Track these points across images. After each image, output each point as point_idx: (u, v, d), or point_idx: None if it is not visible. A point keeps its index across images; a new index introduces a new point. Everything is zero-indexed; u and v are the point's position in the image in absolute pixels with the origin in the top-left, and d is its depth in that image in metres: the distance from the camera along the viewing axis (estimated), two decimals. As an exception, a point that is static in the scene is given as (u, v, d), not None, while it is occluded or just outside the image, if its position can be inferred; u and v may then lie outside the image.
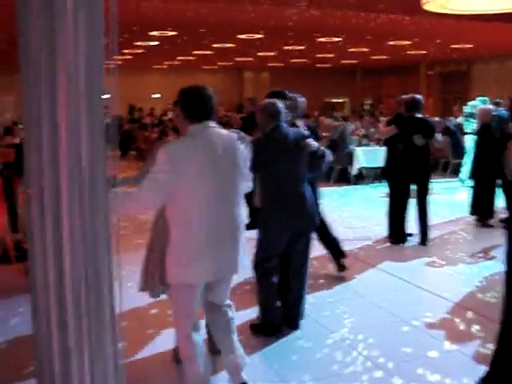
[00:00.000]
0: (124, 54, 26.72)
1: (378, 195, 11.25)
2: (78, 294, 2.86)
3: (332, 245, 6.39)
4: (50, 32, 2.82)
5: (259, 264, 4.83)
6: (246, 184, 3.66)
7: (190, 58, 28.07)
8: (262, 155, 4.55)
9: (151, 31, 19.70)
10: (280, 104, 4.77)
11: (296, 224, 4.74)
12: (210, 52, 25.76)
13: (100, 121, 2.92)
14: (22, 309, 5.25)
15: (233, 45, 23.24)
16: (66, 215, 2.81)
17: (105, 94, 3.02)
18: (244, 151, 3.53)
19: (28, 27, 2.82)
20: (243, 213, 3.57)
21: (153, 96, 33.23)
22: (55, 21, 2.81)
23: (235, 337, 3.78)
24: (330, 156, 5.03)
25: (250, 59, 29.30)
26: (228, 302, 3.77)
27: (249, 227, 4.37)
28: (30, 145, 2.86)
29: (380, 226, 8.45)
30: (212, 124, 3.42)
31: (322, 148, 4.98)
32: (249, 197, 4.69)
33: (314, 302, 5.64)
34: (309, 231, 4.94)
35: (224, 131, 3.51)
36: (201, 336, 3.65)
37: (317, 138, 5.59)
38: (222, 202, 3.35)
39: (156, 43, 22.43)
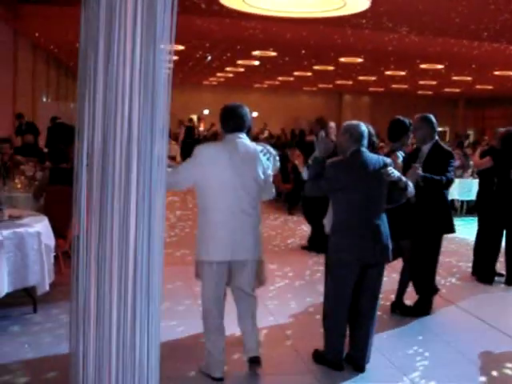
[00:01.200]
0: (226, 72, 27.12)
1: (467, 229, 10.67)
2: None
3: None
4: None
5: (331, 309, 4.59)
6: (268, 190, 4.29)
7: (290, 78, 28.10)
8: (339, 179, 4.31)
9: (253, 51, 19.85)
10: (364, 127, 4.50)
11: (367, 256, 4.43)
12: (310, 73, 25.69)
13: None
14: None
15: (333, 67, 23.07)
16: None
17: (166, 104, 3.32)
18: (265, 161, 4.18)
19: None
20: (256, 211, 4.16)
21: (252, 114, 33.45)
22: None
23: (255, 322, 4.29)
24: (412, 189, 4.62)
25: (350, 83, 29.01)
26: (253, 293, 4.27)
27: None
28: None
29: (465, 263, 7.97)
30: (241, 135, 4.12)
31: (405, 180, 4.56)
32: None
33: (386, 337, 5.29)
34: (381, 265, 4.59)
35: (250, 143, 4.19)
36: (221, 314, 4.17)
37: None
38: (239, 198, 4.01)
39: (257, 63, 22.60)
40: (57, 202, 6.44)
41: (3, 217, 5.36)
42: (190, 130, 23.11)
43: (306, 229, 8.80)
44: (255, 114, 33.68)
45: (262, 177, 4.14)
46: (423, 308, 5.92)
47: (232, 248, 4.03)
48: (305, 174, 4.91)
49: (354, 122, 4.57)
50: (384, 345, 5.01)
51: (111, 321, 3.07)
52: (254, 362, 4.25)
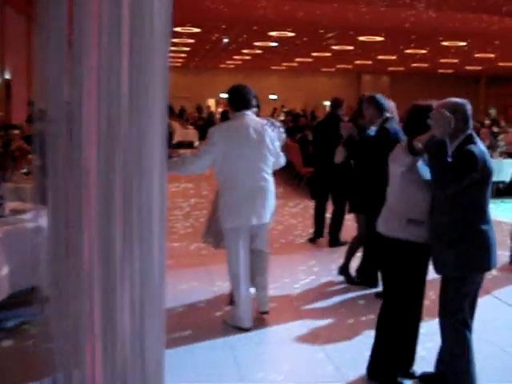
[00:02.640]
0: (243, 55, 26.54)
1: (501, 212, 10.01)
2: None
3: None
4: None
5: (453, 314, 3.60)
6: (278, 160, 4.67)
7: (309, 59, 27.43)
8: (484, 169, 3.49)
9: (270, 32, 19.26)
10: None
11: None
12: (328, 54, 25.02)
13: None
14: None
15: (352, 47, 22.40)
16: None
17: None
18: (272, 133, 4.53)
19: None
20: (271, 178, 4.57)
21: (270, 97, 32.88)
22: None
23: (267, 277, 4.80)
24: None
25: (369, 62, 28.27)
26: (267, 250, 4.80)
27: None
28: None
29: (503, 251, 7.37)
30: (248, 112, 4.50)
31: None
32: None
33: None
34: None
35: (256, 118, 4.59)
36: (248, 267, 4.57)
37: None
38: (253, 168, 4.40)
39: (275, 44, 22.00)
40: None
41: (3, 212, 4.91)
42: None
43: (328, 215, 8.24)
44: (274, 97, 33.16)
45: (271, 147, 4.50)
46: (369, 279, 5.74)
47: (255, 214, 4.44)
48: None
49: (458, 99, 3.61)
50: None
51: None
52: (265, 313, 4.81)
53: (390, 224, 3.79)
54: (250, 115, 4.52)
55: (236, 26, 18.23)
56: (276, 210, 8.79)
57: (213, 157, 4.37)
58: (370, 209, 5.40)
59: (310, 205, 9.35)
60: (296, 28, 18.11)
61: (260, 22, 17.31)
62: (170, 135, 20.12)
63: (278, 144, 4.62)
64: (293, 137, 12.90)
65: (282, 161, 4.78)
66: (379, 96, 5.58)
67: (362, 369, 3.95)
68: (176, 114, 26.76)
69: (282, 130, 4.79)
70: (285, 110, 24.20)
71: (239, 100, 4.51)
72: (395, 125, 5.47)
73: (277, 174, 13.33)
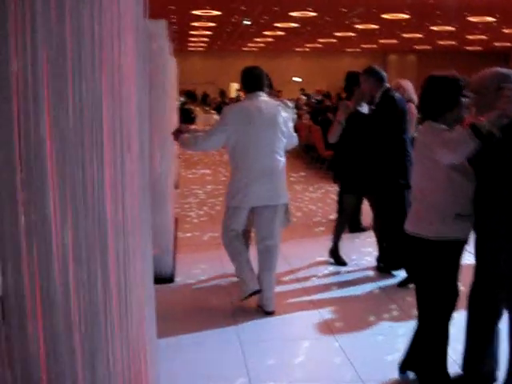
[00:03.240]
0: (265, 37, 26.08)
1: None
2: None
3: None
4: None
5: None
6: (291, 140, 4.61)
7: (333, 40, 26.85)
8: None
9: (291, 12, 18.80)
10: None
11: None
12: (352, 34, 24.43)
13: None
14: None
15: (377, 26, 21.79)
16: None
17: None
18: (285, 114, 4.52)
19: None
20: (283, 158, 4.49)
21: (294, 79, 32.38)
22: None
23: (273, 274, 4.55)
24: None
25: (395, 41, 27.57)
26: (275, 241, 4.52)
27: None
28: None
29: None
30: (260, 93, 4.48)
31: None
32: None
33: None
34: None
35: (269, 99, 4.56)
36: (242, 243, 4.55)
37: None
38: (265, 149, 4.36)
39: (296, 25, 21.51)
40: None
41: None
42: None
43: None
44: (298, 79, 32.63)
45: (284, 128, 4.48)
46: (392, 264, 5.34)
47: (265, 194, 4.39)
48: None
49: (503, 70, 3.17)
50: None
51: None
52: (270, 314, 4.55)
53: (434, 225, 3.18)
54: (263, 96, 4.51)
55: (256, 7, 17.80)
56: (295, 194, 8.49)
57: (226, 135, 4.38)
58: (378, 189, 5.23)
59: (331, 189, 9.01)
60: (317, 7, 17.61)
61: (280, 2, 16.87)
62: (193, 120, 19.83)
63: (291, 125, 4.62)
64: (315, 119, 12.50)
65: (295, 141, 4.75)
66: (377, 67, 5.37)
67: (380, 370, 3.61)
68: (199, 100, 26.49)
69: (295, 110, 4.80)
70: (305, 92, 23.67)
71: (251, 81, 4.52)
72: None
73: (298, 157, 13.09)
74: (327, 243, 5.80)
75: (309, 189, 9.74)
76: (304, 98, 20.65)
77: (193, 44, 30.53)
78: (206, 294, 4.96)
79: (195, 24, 21.68)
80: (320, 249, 6.00)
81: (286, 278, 5.22)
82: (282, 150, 4.48)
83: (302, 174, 11.08)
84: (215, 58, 32.76)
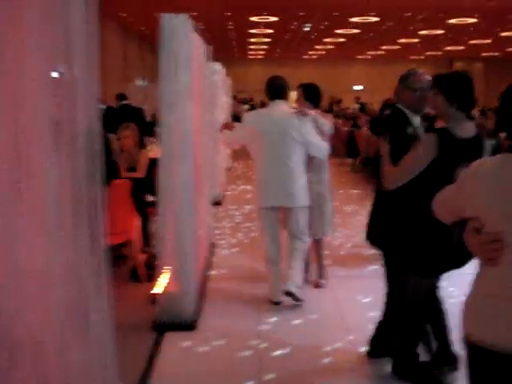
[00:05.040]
0: (325, 44, 25.05)
1: None
2: None
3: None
4: None
5: None
6: (313, 148, 4.62)
7: (395, 47, 25.56)
8: None
9: (352, 17, 17.74)
10: None
11: None
12: (416, 40, 23.12)
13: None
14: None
15: (442, 31, 20.44)
16: None
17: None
18: (299, 122, 4.55)
19: None
20: (296, 165, 4.55)
21: (354, 88, 31.18)
22: None
23: (297, 265, 4.60)
24: None
25: (461, 48, 26.04)
26: (302, 237, 4.67)
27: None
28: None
29: None
30: (280, 102, 4.66)
31: None
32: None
33: None
34: None
35: (286, 107, 4.68)
36: (276, 245, 4.64)
37: None
38: (276, 154, 4.54)
39: (357, 31, 20.41)
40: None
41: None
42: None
43: None
44: (359, 88, 31.43)
45: (297, 135, 4.53)
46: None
47: (279, 197, 4.57)
48: None
49: None
50: None
51: None
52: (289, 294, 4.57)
53: None
54: (280, 104, 4.68)
55: (315, 12, 16.84)
56: (344, 218, 7.28)
57: (242, 134, 4.77)
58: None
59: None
60: (380, 12, 16.52)
61: (340, 7, 15.85)
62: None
63: (307, 132, 4.60)
64: (374, 130, 11.38)
65: (318, 148, 4.68)
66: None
67: None
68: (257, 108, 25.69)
69: (322, 121, 4.84)
70: (360, 101, 22.45)
71: (271, 90, 4.72)
72: None
73: (352, 172, 11.85)
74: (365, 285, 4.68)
75: (361, 211, 7.77)
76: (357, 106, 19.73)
77: (252, 52, 29.81)
78: (229, 353, 3.82)
79: (253, 31, 20.87)
80: (373, 302, 4.52)
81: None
82: (296, 155, 4.57)
83: (355, 191, 9.66)
84: (275, 66, 31.89)
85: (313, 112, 4.73)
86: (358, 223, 7.09)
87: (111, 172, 5.26)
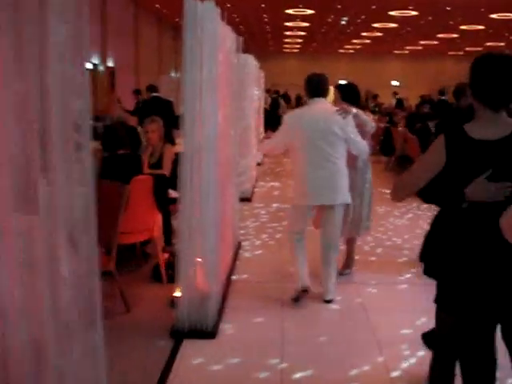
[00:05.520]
0: (362, 38, 24.54)
1: None
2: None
3: None
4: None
5: None
6: (354, 146, 4.48)
7: (434, 42, 24.91)
8: None
9: (390, 11, 17.26)
10: None
11: None
12: (456, 35, 22.47)
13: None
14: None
15: (483, 26, 19.81)
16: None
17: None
18: (342, 120, 4.40)
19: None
20: (340, 162, 4.43)
21: (392, 83, 30.56)
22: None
23: (331, 270, 4.55)
24: None
25: (503, 44, 25.25)
26: (335, 243, 4.58)
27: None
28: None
29: None
30: (320, 99, 4.51)
31: None
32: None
33: None
34: None
35: (328, 105, 4.54)
36: (303, 245, 4.59)
37: None
38: (319, 153, 4.41)
39: (395, 25, 19.90)
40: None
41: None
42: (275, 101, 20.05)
43: None
44: (396, 83, 30.81)
45: (340, 133, 4.42)
46: None
47: (321, 195, 4.45)
48: None
49: None
50: None
51: None
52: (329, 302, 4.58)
53: None
54: (322, 102, 4.53)
55: (352, 5, 16.43)
56: (376, 220, 6.76)
57: (284, 140, 4.57)
58: None
59: (421, 214, 7.40)
60: (419, 6, 16.04)
61: (379, 1, 15.41)
62: (279, 122, 18.58)
63: (350, 130, 4.48)
64: (411, 127, 10.96)
65: (360, 147, 4.58)
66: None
67: None
68: (293, 103, 25.28)
69: (363, 118, 4.72)
70: (398, 97, 21.89)
71: (311, 88, 4.54)
72: None
73: (391, 170, 11.38)
74: (418, 303, 4.30)
75: (394, 212, 7.64)
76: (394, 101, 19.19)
77: (288, 46, 29.44)
78: (246, 373, 3.46)
79: (289, 24, 20.52)
80: (407, 316, 4.23)
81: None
82: (338, 153, 4.47)
83: (389, 191, 9.02)
84: (310, 59, 31.57)
85: (354, 109, 4.57)
86: (391, 226, 6.87)
87: (134, 168, 5.04)
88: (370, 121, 4.86)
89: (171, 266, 4.86)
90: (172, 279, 4.43)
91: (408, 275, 5.05)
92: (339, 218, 4.56)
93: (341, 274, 4.94)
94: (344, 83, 5.23)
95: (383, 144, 12.41)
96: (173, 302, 4.10)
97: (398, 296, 4.65)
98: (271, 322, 4.11)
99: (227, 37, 4.90)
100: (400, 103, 20.53)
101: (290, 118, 4.64)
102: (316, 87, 4.53)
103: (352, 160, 4.65)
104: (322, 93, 4.55)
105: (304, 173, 4.49)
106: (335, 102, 4.85)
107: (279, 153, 5.02)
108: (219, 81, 4.06)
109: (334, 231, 4.58)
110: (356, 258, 5.18)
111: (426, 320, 3.84)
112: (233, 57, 5.36)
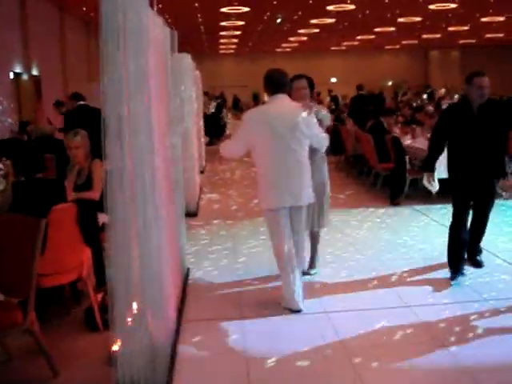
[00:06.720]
0: (299, 35, 24.01)
1: None
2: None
3: None
4: None
5: None
6: (317, 141, 4.49)
7: (371, 36, 24.63)
8: None
9: (328, 6, 16.73)
10: None
11: None
12: (393, 28, 22.22)
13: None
14: None
15: (420, 18, 19.56)
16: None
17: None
18: (306, 116, 4.32)
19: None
20: (305, 160, 4.36)
21: (331, 80, 30.24)
22: None
23: (303, 255, 4.70)
24: None
25: (438, 36, 25.23)
26: (302, 238, 4.60)
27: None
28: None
29: None
30: (281, 96, 4.36)
31: None
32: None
33: None
34: None
35: (290, 101, 4.41)
36: (290, 250, 4.33)
37: None
38: (286, 151, 4.27)
39: (333, 20, 19.41)
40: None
41: None
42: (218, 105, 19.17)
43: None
44: (334, 80, 30.52)
45: (305, 129, 4.31)
46: None
47: (290, 195, 4.30)
48: None
49: None
50: None
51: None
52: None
53: None
54: (283, 98, 4.38)
55: (289, 1, 15.78)
56: (337, 223, 6.22)
57: (245, 141, 4.39)
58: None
59: (392, 212, 6.83)
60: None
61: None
62: (222, 128, 17.79)
63: (314, 126, 4.44)
64: (362, 125, 10.24)
65: (322, 142, 4.59)
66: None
67: None
68: (229, 105, 24.52)
69: (324, 113, 4.85)
70: (332, 94, 21.67)
71: (272, 84, 4.39)
72: None
73: (344, 170, 10.83)
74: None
75: (355, 214, 7.13)
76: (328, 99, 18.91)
77: (224, 46, 28.69)
78: None
79: (224, 23, 19.77)
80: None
81: None
82: (304, 150, 4.39)
83: (350, 192, 8.68)
84: (247, 60, 30.97)
85: (315, 105, 4.59)
86: (350, 239, 6.20)
87: (55, 195, 4.11)
88: (327, 115, 4.89)
89: (107, 309, 3.98)
90: (107, 325, 3.56)
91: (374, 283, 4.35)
92: (305, 215, 4.56)
93: (307, 273, 4.90)
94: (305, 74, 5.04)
95: (332, 143, 11.75)
96: (110, 358, 3.25)
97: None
98: (233, 371, 3.32)
99: (159, 28, 4.05)
100: (335, 100, 20.15)
101: (252, 115, 4.43)
102: (277, 83, 4.37)
103: (310, 154, 4.50)
104: (283, 89, 4.37)
105: (271, 173, 4.32)
106: (305, 94, 4.76)
107: (239, 156, 4.73)
108: (151, 79, 3.19)
109: (301, 230, 4.54)
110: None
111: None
112: (168, 55, 4.51)
